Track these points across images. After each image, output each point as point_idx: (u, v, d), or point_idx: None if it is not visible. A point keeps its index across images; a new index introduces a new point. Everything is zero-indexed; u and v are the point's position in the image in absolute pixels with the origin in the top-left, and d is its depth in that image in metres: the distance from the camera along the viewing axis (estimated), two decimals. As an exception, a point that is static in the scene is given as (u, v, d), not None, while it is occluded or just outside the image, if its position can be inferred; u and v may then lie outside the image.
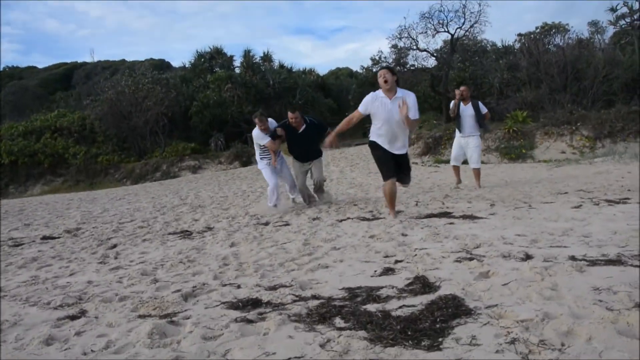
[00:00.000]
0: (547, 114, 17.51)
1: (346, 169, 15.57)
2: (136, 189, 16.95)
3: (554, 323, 1.92)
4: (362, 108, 5.43)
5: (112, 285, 3.40)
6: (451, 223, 4.80)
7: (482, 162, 9.77)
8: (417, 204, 6.41)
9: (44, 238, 6.26)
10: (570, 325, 1.87)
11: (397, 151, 5.49)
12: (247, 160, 21.89)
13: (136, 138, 25.47)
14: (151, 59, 48.39)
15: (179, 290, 3.03)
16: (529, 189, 7.50)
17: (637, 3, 22.49)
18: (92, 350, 2.14)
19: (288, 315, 2.34)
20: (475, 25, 24.50)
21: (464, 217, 5.07)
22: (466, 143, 8.11)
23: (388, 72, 5.32)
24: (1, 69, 50.64)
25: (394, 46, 26.32)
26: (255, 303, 2.63)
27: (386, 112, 5.28)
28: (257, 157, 7.35)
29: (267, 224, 6.00)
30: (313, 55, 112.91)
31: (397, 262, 3.36)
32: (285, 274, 3.33)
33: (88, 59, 56.88)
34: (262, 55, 32.76)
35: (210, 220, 6.83)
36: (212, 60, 31.84)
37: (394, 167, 5.51)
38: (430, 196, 7.26)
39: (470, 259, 3.14)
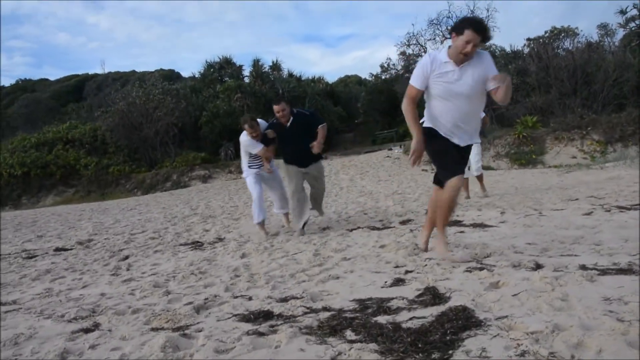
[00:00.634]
0: (557, 118, 17.44)
1: (356, 177, 15.57)
2: (147, 199, 17.08)
3: (564, 335, 1.91)
4: (419, 80, 3.46)
5: (125, 298, 3.44)
6: (461, 232, 4.80)
7: (492, 169, 9.74)
8: (426, 212, 6.37)
9: (57, 250, 6.34)
10: (580, 337, 1.87)
11: (463, 142, 3.61)
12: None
13: (147, 148, 25.67)
14: (161, 69, 49.07)
15: (191, 303, 3.06)
16: (540, 195, 7.46)
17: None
18: (106, 364, 2.17)
19: (299, 328, 2.36)
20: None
21: (474, 225, 5.07)
22: None
23: (477, 35, 3.22)
24: (14, 82, 51.54)
25: (403, 53, 26.45)
26: (266, 315, 2.66)
27: (454, 85, 3.40)
28: (244, 165, 6.28)
29: (277, 234, 6.04)
30: (321, 63, 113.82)
31: (407, 272, 3.37)
32: (296, 285, 3.35)
33: (99, 71, 57.65)
34: (271, 64, 33.11)
35: (221, 231, 6.88)
36: (222, 70, 32.15)
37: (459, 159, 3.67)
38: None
39: (481, 269, 3.14)
